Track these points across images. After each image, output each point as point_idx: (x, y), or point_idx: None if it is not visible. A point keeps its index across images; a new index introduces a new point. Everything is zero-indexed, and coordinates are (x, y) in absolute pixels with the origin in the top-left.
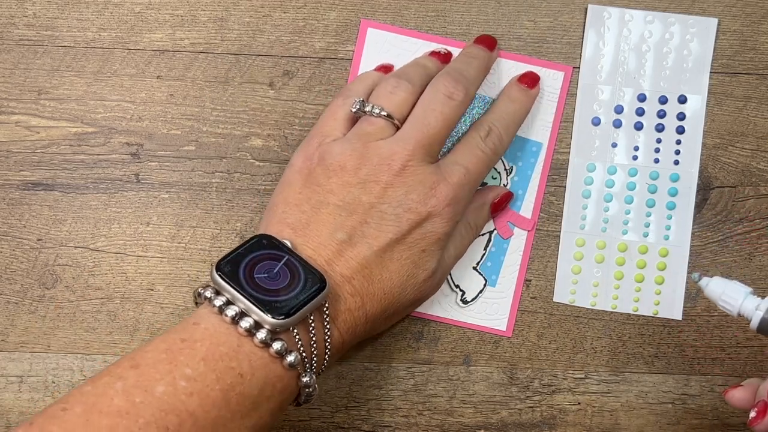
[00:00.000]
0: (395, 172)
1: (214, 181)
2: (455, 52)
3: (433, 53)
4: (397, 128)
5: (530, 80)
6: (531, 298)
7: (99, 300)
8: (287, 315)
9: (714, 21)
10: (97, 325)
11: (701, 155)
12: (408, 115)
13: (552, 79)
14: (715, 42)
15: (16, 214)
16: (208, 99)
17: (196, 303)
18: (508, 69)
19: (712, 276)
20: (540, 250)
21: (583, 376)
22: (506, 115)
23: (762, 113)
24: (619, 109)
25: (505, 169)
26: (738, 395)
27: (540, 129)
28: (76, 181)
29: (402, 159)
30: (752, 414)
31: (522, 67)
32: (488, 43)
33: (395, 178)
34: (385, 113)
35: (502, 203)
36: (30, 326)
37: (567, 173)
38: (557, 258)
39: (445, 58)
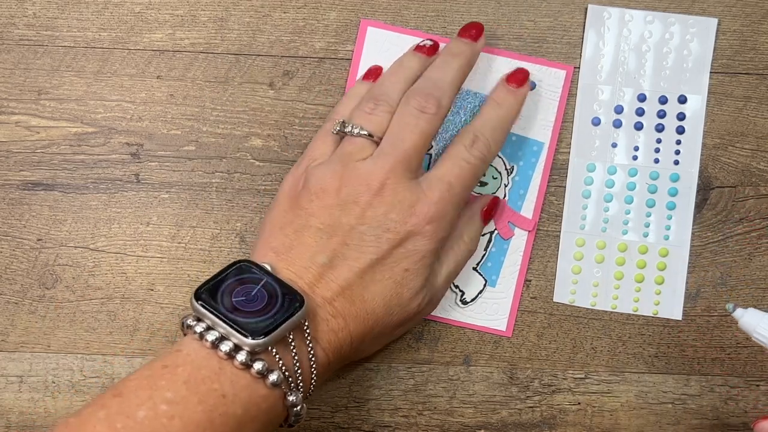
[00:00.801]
0: (374, 192)
1: (214, 181)
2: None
3: (418, 48)
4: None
5: (518, 79)
6: (531, 298)
7: (99, 300)
8: (265, 335)
9: (714, 21)
10: (97, 325)
11: (701, 155)
12: None
13: (553, 78)
14: (715, 42)
15: (16, 214)
16: (208, 99)
17: (184, 333)
18: (509, 68)
19: (746, 308)
20: (540, 250)
21: (583, 376)
22: (493, 121)
23: (762, 113)
24: (619, 109)
25: (506, 169)
26: None
27: (541, 128)
28: (76, 181)
29: (380, 178)
30: None
31: (522, 66)
32: (473, 33)
33: (374, 198)
34: (365, 132)
35: (491, 211)
36: (30, 326)
37: (567, 173)
38: (557, 258)
39: (430, 51)
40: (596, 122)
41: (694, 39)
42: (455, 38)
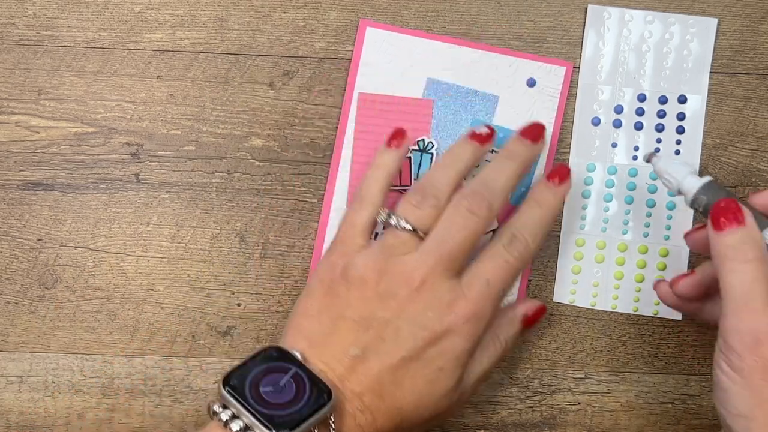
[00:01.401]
0: (414, 288)
1: (214, 181)
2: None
3: (473, 135)
4: (422, 240)
5: (561, 175)
6: (531, 298)
7: (99, 300)
8: (290, 429)
9: (714, 21)
10: (97, 325)
11: (701, 155)
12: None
13: (553, 75)
14: (715, 42)
15: (16, 214)
16: (208, 99)
17: (210, 417)
18: (509, 65)
19: (661, 156)
20: (540, 251)
21: (583, 376)
22: (532, 221)
23: (762, 113)
24: (619, 109)
25: None
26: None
27: None
28: (76, 181)
29: (422, 274)
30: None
31: (522, 63)
32: (534, 135)
33: (414, 294)
34: (409, 227)
35: (535, 320)
36: (30, 326)
37: None
38: (557, 258)
39: (485, 139)
40: (596, 122)
41: (694, 39)
42: (516, 137)
